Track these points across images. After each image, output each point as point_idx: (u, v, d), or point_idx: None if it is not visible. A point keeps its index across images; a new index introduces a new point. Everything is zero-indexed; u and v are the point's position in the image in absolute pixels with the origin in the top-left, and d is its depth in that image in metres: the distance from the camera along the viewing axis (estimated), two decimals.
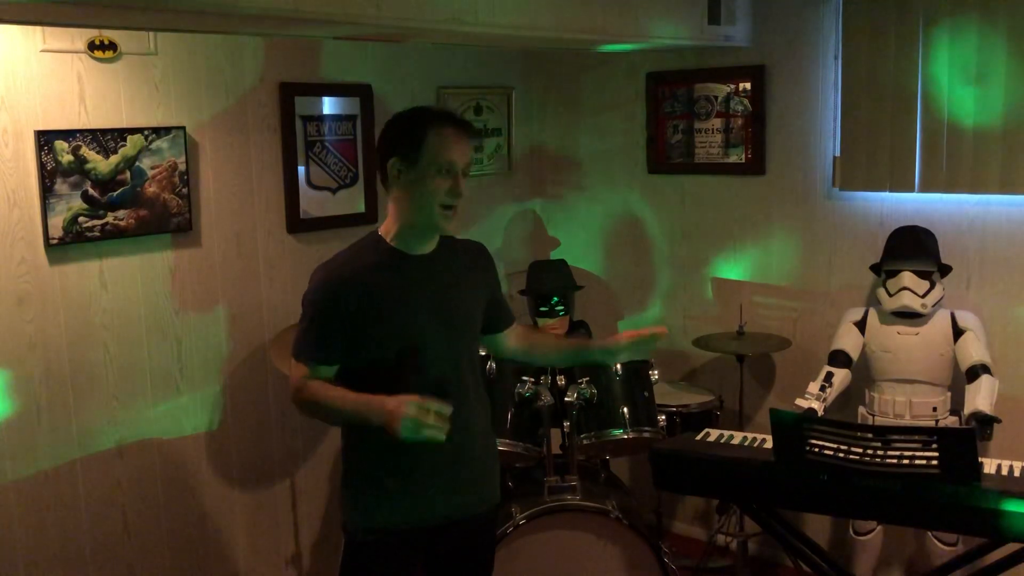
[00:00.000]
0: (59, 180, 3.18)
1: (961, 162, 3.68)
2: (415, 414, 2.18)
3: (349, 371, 2.42)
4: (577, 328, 4.28)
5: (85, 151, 3.23)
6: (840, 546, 4.03)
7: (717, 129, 4.34)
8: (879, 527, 3.76)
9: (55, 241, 3.19)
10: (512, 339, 2.77)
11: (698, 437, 3.18)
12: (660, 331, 2.64)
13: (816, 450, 2.75)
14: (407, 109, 2.49)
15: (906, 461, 2.67)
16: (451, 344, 2.49)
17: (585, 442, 3.51)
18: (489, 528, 2.72)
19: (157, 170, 3.43)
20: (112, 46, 3.28)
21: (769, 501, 3.06)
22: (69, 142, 3.19)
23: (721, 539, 4.22)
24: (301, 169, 3.87)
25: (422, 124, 2.38)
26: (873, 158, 3.88)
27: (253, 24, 3.00)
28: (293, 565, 4.02)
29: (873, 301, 3.84)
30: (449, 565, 2.62)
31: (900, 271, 3.60)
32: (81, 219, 3.24)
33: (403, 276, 2.44)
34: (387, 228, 2.48)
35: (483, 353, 3.40)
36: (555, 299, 4.13)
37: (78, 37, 3.20)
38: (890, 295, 3.62)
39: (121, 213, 3.35)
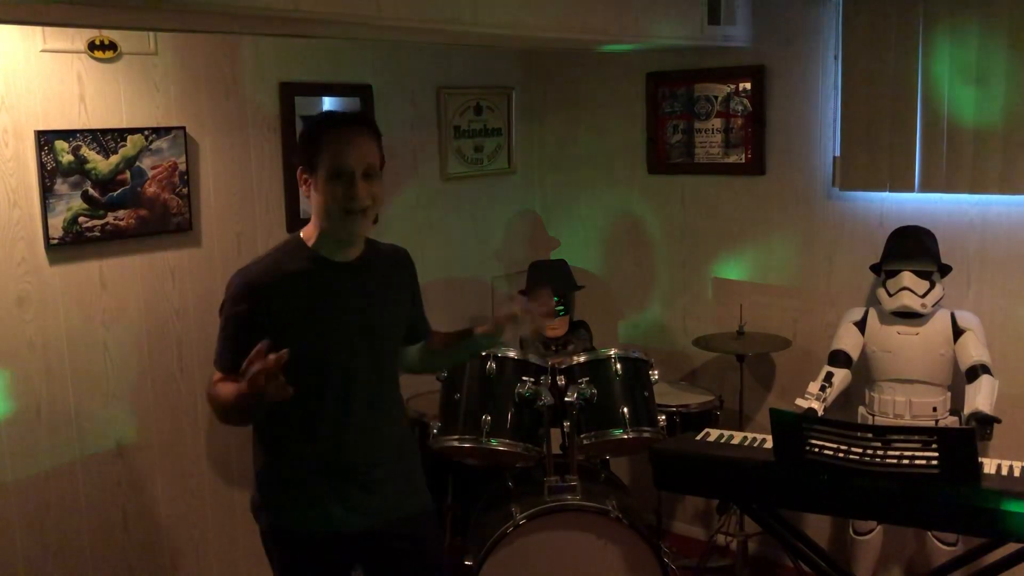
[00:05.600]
0: (59, 180, 3.18)
1: (961, 162, 3.68)
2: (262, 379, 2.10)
3: None
4: (577, 328, 4.28)
5: (85, 151, 3.23)
6: (840, 546, 4.03)
7: (717, 129, 4.34)
8: (879, 527, 3.76)
9: (55, 241, 3.19)
10: (419, 350, 2.72)
11: (698, 437, 3.18)
12: (520, 312, 2.58)
13: (816, 450, 2.75)
14: (319, 116, 2.46)
15: (906, 461, 2.67)
16: (373, 354, 2.45)
17: (585, 442, 3.51)
18: (420, 535, 2.60)
19: (157, 170, 3.43)
20: (112, 46, 3.28)
21: (769, 501, 3.06)
22: (69, 142, 3.19)
23: (721, 539, 4.22)
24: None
25: (319, 130, 2.34)
26: (873, 158, 3.88)
27: (253, 24, 3.00)
28: None
29: (873, 301, 3.84)
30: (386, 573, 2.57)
31: (900, 271, 3.60)
32: (81, 219, 3.24)
33: (325, 284, 2.38)
34: (308, 233, 2.42)
35: (483, 354, 3.43)
36: (555, 299, 4.13)
37: (78, 37, 3.20)
38: (890, 295, 3.62)
39: (121, 213, 3.35)
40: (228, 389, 2.26)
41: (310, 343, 2.33)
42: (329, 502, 2.43)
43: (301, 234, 2.43)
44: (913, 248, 3.62)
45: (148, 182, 3.41)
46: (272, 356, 2.06)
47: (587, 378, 3.52)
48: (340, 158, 2.30)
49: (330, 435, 2.42)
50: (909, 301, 3.57)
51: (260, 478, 2.51)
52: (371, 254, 2.48)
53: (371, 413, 2.45)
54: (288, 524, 2.47)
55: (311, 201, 2.37)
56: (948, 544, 3.60)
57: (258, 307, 2.31)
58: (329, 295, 2.38)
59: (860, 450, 2.73)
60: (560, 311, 4.14)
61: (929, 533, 3.64)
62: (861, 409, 3.79)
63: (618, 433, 3.50)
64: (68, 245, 3.23)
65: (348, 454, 2.41)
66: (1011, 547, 2.74)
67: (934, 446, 2.63)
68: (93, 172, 3.26)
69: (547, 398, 3.43)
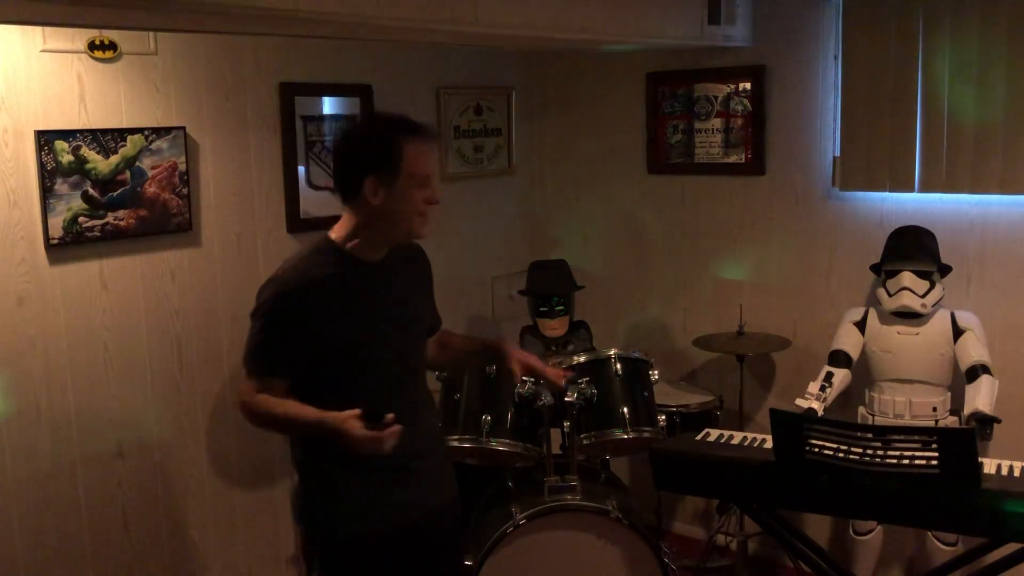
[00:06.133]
0: (59, 180, 3.18)
1: (961, 162, 3.68)
2: (363, 433, 2.18)
3: (303, 381, 2.36)
4: (577, 328, 4.28)
5: (85, 151, 3.23)
6: (840, 546, 4.03)
7: (717, 129, 4.34)
8: (879, 527, 3.76)
9: (55, 241, 3.19)
10: (434, 343, 2.74)
11: (698, 437, 3.18)
12: (557, 380, 2.69)
13: (816, 450, 2.75)
14: (370, 122, 2.46)
15: (906, 461, 2.67)
16: (410, 351, 2.50)
17: (585, 442, 3.51)
18: (454, 521, 2.67)
19: (157, 170, 3.43)
20: (112, 46, 3.28)
21: (769, 501, 3.06)
22: (69, 142, 3.19)
23: (721, 539, 4.22)
24: (301, 169, 3.87)
25: (397, 140, 2.32)
26: (873, 158, 3.88)
27: (253, 24, 3.00)
28: (293, 565, 4.02)
29: (873, 301, 3.84)
30: (421, 569, 2.58)
31: (900, 271, 3.60)
32: (81, 219, 3.24)
33: (363, 285, 2.40)
34: (343, 235, 2.40)
35: None
36: (555, 299, 4.13)
37: (78, 37, 3.20)
38: (890, 295, 3.62)
39: (121, 213, 3.35)
40: (294, 410, 2.28)
41: (351, 343, 2.35)
42: (380, 500, 2.44)
43: (331, 236, 2.42)
44: (913, 248, 3.62)
45: (148, 182, 3.41)
46: (390, 431, 2.18)
47: (587, 378, 3.52)
48: (420, 164, 2.33)
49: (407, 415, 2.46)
50: (909, 301, 3.57)
51: (308, 484, 2.48)
52: (393, 252, 2.50)
53: (411, 407, 2.46)
54: (344, 528, 2.44)
55: (378, 205, 2.33)
56: (948, 544, 3.60)
57: (296, 311, 2.30)
58: (366, 295, 2.40)
59: (860, 450, 2.72)
60: (560, 311, 4.14)
61: (929, 533, 3.64)
62: (861, 409, 3.79)
63: (618, 433, 3.50)
64: (68, 245, 3.23)
65: (394, 450, 2.37)
66: (1011, 547, 2.74)
67: (934, 446, 2.63)
68: (93, 172, 3.26)
69: (547, 398, 3.43)
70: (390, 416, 2.19)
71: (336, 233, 2.42)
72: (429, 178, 2.37)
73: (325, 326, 2.31)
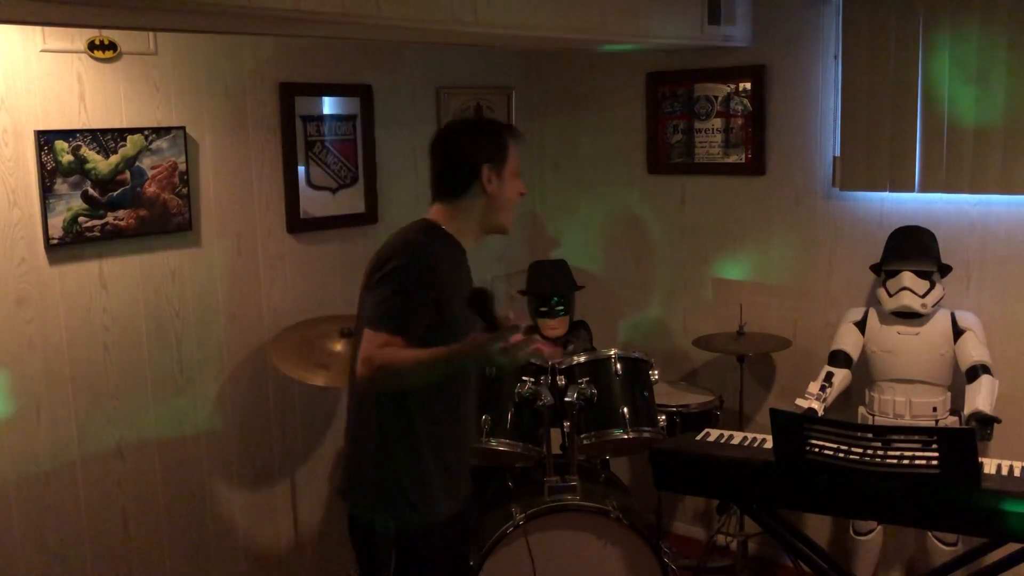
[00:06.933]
0: (59, 180, 3.18)
1: (961, 162, 3.68)
2: (500, 345, 2.27)
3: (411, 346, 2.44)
4: (577, 328, 4.28)
5: (85, 151, 3.23)
6: (840, 546, 4.03)
7: (717, 129, 4.34)
8: (879, 527, 3.76)
9: (55, 241, 3.19)
10: None
11: (698, 437, 3.18)
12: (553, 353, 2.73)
13: (816, 450, 2.75)
14: (475, 121, 2.71)
15: (906, 461, 2.67)
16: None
17: (585, 442, 3.51)
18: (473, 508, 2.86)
19: (157, 170, 3.43)
20: (112, 46, 3.28)
21: (769, 501, 3.06)
22: (69, 142, 3.19)
23: (721, 539, 4.22)
24: (301, 169, 3.87)
25: (503, 135, 2.58)
26: (873, 158, 3.88)
27: (253, 24, 3.00)
28: (293, 565, 4.02)
29: (873, 301, 3.84)
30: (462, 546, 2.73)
31: (900, 271, 3.60)
32: (81, 219, 3.24)
33: (464, 268, 2.59)
34: (450, 223, 2.55)
35: None
36: (555, 299, 4.13)
37: (78, 37, 3.20)
38: (890, 295, 3.62)
39: (121, 213, 3.35)
40: (418, 352, 2.34)
41: (454, 319, 2.46)
42: (459, 484, 2.59)
43: (432, 219, 2.56)
44: (913, 248, 3.62)
45: (148, 182, 3.41)
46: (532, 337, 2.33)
47: (587, 378, 3.52)
48: (518, 158, 2.60)
49: (466, 416, 2.63)
50: (909, 301, 3.57)
51: (396, 473, 2.50)
52: None
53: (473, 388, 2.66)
54: (439, 509, 2.53)
55: (478, 197, 2.53)
56: (948, 544, 3.60)
57: (429, 278, 2.42)
58: (465, 277, 2.58)
59: (860, 450, 2.73)
60: (560, 311, 4.14)
61: (929, 533, 3.64)
62: (861, 409, 3.79)
63: (618, 433, 3.50)
64: (68, 245, 3.23)
65: (472, 432, 2.63)
66: (1011, 547, 2.74)
67: (934, 446, 2.63)
68: (93, 172, 3.26)
69: (547, 398, 3.43)
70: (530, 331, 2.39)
71: (436, 217, 2.57)
72: (519, 173, 2.62)
73: (442, 299, 2.43)
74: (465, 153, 2.54)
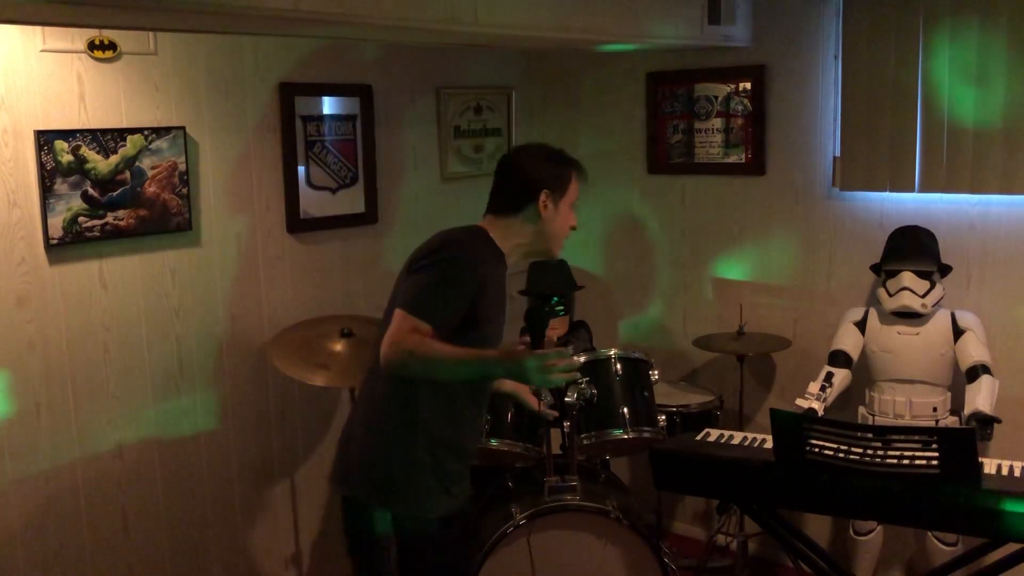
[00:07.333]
0: (59, 180, 3.18)
1: (961, 162, 3.68)
2: (540, 363, 2.36)
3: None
4: (577, 328, 4.28)
5: (85, 151, 3.23)
6: (840, 546, 4.03)
7: (717, 129, 4.34)
8: (879, 527, 3.76)
9: (55, 241, 3.19)
10: None
11: (698, 437, 3.18)
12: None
13: (816, 450, 2.75)
14: (544, 149, 2.72)
15: (906, 461, 2.67)
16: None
17: (585, 442, 3.51)
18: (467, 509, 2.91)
19: (157, 170, 3.43)
20: (112, 46, 3.28)
21: (769, 501, 3.06)
22: (69, 142, 3.19)
23: (721, 539, 4.22)
24: (301, 169, 3.87)
25: (567, 167, 2.70)
26: (873, 158, 3.88)
27: (253, 24, 3.00)
28: (293, 565, 4.02)
29: (873, 301, 3.84)
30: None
31: (900, 271, 3.60)
32: (81, 219, 3.24)
33: (503, 281, 2.64)
34: (498, 236, 2.61)
35: None
36: (555, 299, 4.13)
37: (78, 37, 3.20)
38: (890, 295, 3.62)
39: (121, 213, 3.35)
40: (452, 348, 2.38)
41: (488, 329, 2.55)
42: (455, 483, 2.61)
43: (483, 227, 2.63)
44: (913, 248, 3.62)
45: (148, 182, 3.41)
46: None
47: (587, 378, 3.51)
48: (576, 193, 2.72)
49: (472, 418, 2.66)
50: (909, 301, 3.57)
51: (406, 467, 2.53)
52: None
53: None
54: (422, 509, 2.56)
55: (545, 217, 2.62)
56: (948, 544, 3.60)
57: (471, 275, 2.48)
58: (502, 290, 2.63)
59: (860, 450, 2.73)
60: (560, 311, 4.14)
61: (929, 533, 3.64)
62: (861, 409, 3.79)
63: (618, 433, 3.50)
64: (68, 245, 3.23)
65: (475, 435, 2.73)
66: (1011, 547, 2.74)
67: (934, 446, 2.63)
68: (93, 172, 3.26)
69: (547, 398, 3.43)
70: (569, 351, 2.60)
71: (492, 232, 2.63)
72: (575, 207, 2.72)
73: (478, 300, 2.48)
74: (528, 174, 2.64)
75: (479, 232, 2.62)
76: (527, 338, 2.68)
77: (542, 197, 2.61)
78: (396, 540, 2.56)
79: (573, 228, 2.72)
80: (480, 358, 2.44)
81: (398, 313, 2.42)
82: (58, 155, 3.17)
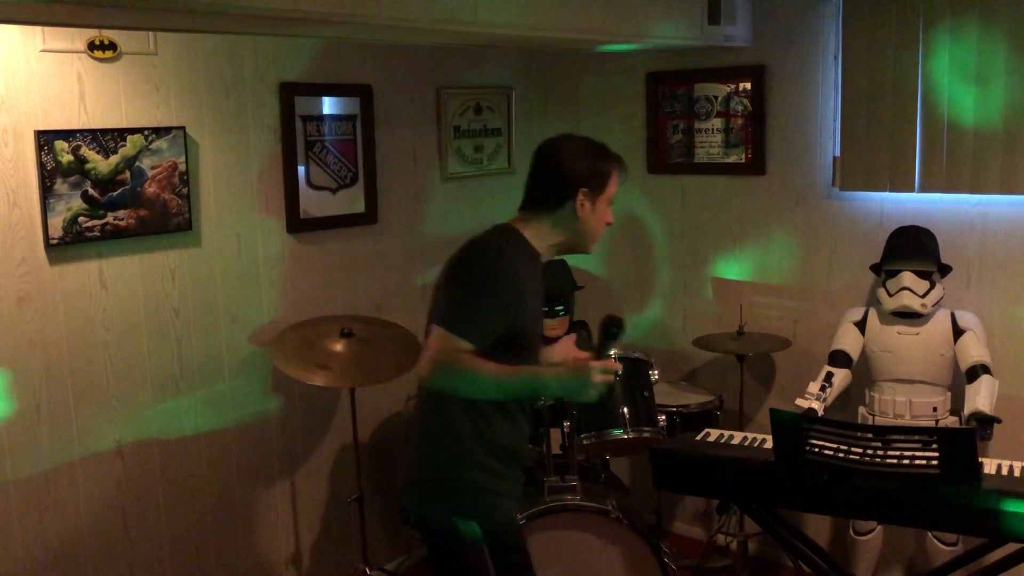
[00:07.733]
0: (59, 180, 3.18)
1: (961, 162, 3.68)
2: (596, 377, 2.33)
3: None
4: (577, 328, 4.28)
5: (85, 151, 3.23)
6: (840, 546, 4.03)
7: (717, 129, 4.34)
8: (879, 527, 3.76)
9: (55, 241, 3.19)
10: None
11: (698, 437, 3.18)
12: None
13: (816, 450, 2.75)
14: (585, 143, 2.61)
15: (906, 461, 2.67)
16: (538, 347, 2.68)
17: (585, 442, 3.51)
18: None
19: (157, 170, 3.43)
20: (112, 46, 3.28)
21: (769, 501, 3.06)
22: (69, 142, 3.19)
23: (721, 539, 4.22)
24: (301, 169, 3.87)
25: (607, 164, 2.58)
26: (873, 158, 3.88)
27: (253, 24, 3.00)
28: (293, 565, 4.02)
29: (873, 301, 3.84)
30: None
31: (900, 271, 3.60)
32: (81, 219, 3.24)
33: (539, 280, 2.59)
34: (532, 233, 2.55)
35: None
36: (555, 299, 4.13)
37: (78, 37, 3.20)
38: (890, 295, 3.62)
39: (121, 213, 3.35)
40: (498, 366, 2.33)
41: (525, 327, 2.49)
42: (517, 483, 2.62)
43: (515, 226, 2.56)
44: (913, 248, 3.62)
45: (148, 182, 3.41)
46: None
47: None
48: (614, 190, 2.60)
49: (528, 417, 2.61)
50: (909, 301, 3.57)
51: (469, 476, 2.50)
52: None
53: None
54: (505, 512, 2.59)
55: (569, 217, 2.54)
56: (948, 544, 3.60)
57: (512, 291, 2.43)
58: (538, 289, 2.58)
59: (860, 450, 2.73)
60: (560, 311, 4.14)
61: (929, 533, 3.64)
62: (861, 409, 3.79)
63: (618, 433, 3.50)
64: (68, 245, 3.23)
65: (525, 444, 2.67)
66: (1011, 547, 2.74)
67: (934, 446, 2.63)
68: (93, 172, 3.26)
69: (547, 398, 3.43)
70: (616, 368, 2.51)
71: (519, 225, 2.57)
72: (612, 203, 2.63)
73: (519, 305, 2.44)
74: (567, 170, 2.53)
75: (512, 234, 2.54)
76: (583, 353, 2.63)
77: (580, 196, 2.51)
78: (493, 554, 2.53)
79: (609, 224, 2.64)
80: (533, 376, 2.41)
81: (437, 329, 2.37)
82: (58, 155, 3.17)
